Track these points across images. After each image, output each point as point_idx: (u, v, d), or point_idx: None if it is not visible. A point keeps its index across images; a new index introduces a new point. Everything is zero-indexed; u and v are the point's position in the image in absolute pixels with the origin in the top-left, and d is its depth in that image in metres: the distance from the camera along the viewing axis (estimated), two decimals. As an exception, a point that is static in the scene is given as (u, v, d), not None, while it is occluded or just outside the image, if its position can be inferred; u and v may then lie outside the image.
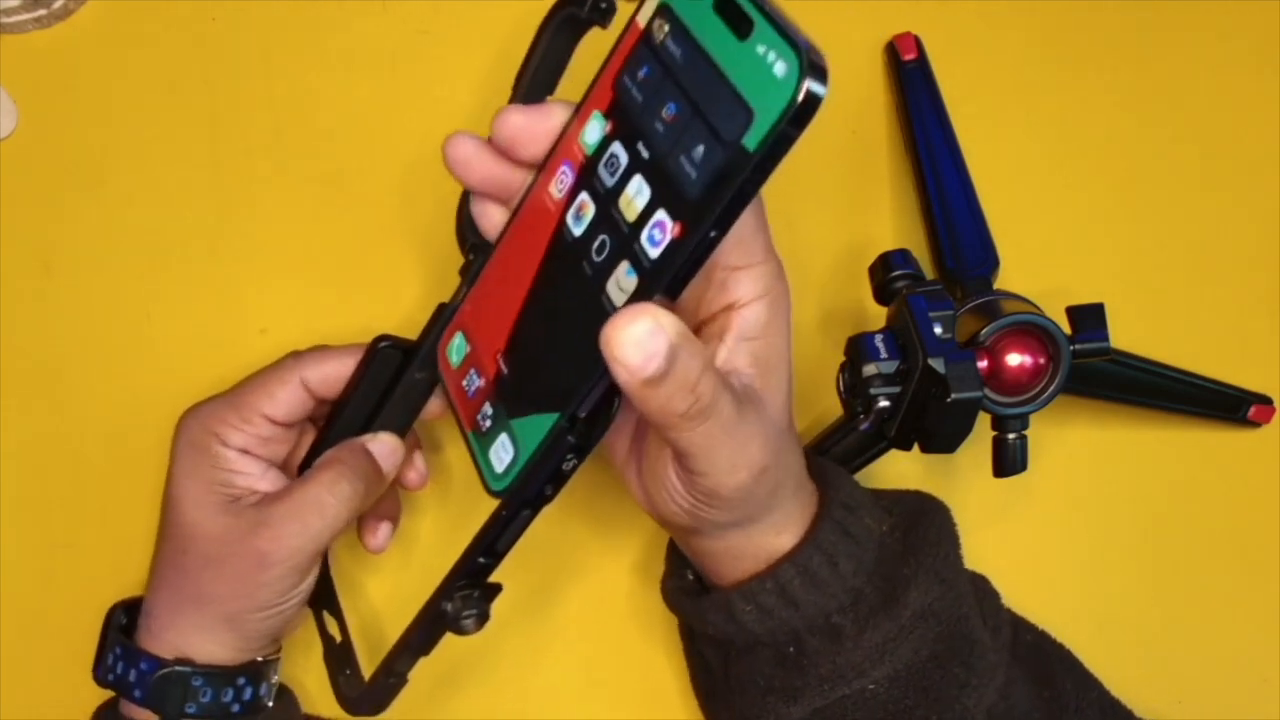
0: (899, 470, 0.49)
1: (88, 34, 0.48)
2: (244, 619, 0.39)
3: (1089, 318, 0.43)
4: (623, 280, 0.30)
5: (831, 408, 0.47)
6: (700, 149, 0.28)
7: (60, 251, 0.47)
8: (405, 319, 0.48)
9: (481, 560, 0.34)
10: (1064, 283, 0.49)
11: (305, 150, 0.48)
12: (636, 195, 0.30)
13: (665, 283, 0.29)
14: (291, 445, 0.42)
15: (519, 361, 0.33)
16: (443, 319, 0.36)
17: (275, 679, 0.42)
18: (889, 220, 0.50)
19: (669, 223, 0.29)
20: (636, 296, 0.29)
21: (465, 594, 0.34)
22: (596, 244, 0.31)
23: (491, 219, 0.35)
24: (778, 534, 0.37)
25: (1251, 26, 0.52)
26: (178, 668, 0.39)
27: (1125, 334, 0.44)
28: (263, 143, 0.48)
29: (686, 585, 0.41)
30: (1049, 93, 0.51)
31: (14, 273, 0.47)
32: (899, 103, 0.49)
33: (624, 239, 0.30)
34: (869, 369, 0.41)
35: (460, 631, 0.35)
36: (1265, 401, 0.49)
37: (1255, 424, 0.49)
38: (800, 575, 0.37)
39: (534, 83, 0.39)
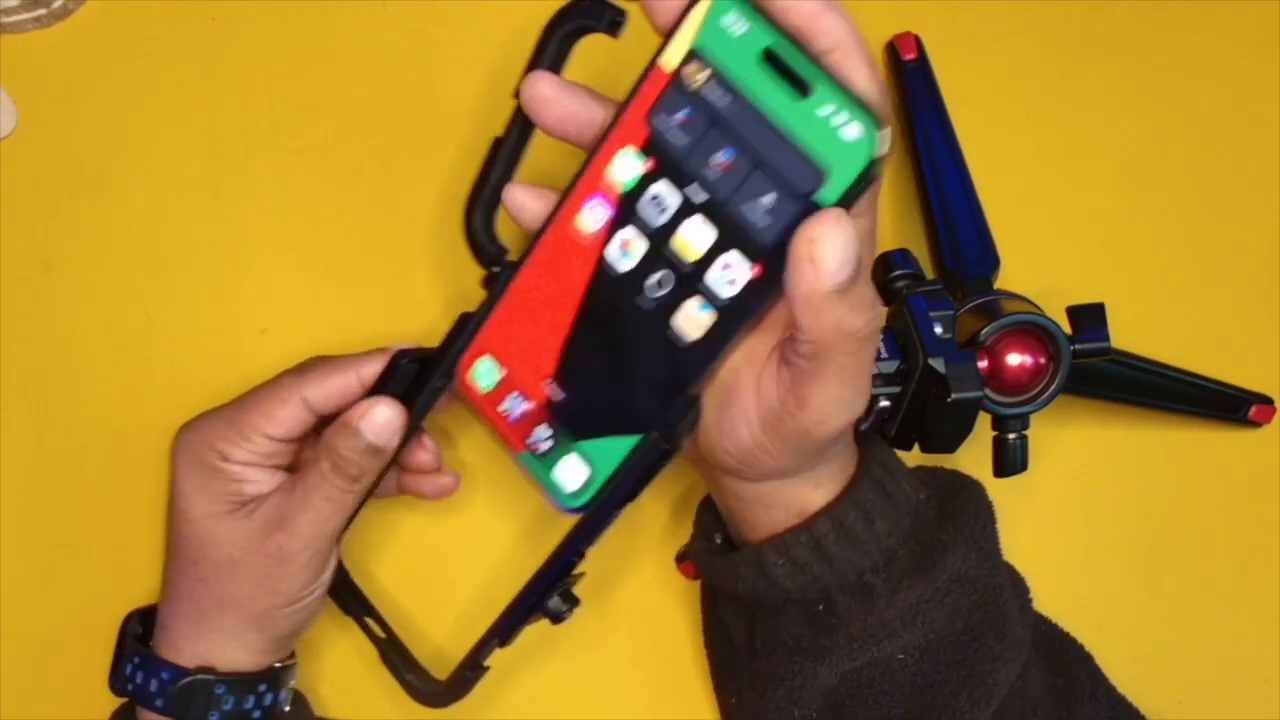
0: (899, 470, 0.49)
1: (88, 34, 0.48)
2: (270, 617, 0.39)
3: (1089, 318, 0.43)
4: (696, 315, 0.32)
5: (832, 408, 0.47)
6: (770, 198, 0.30)
7: (60, 251, 0.47)
8: (405, 318, 0.48)
9: (573, 559, 0.37)
10: (1064, 283, 0.49)
11: (305, 150, 0.48)
12: (697, 236, 0.32)
13: (747, 319, 0.32)
14: (297, 452, 0.42)
15: (578, 388, 0.35)
16: (466, 332, 0.36)
17: (293, 684, 0.43)
18: (889, 220, 0.50)
19: (745, 264, 0.31)
20: (717, 331, 0.32)
21: (563, 590, 0.38)
22: (654, 280, 0.33)
23: (528, 210, 0.35)
24: (815, 488, 0.37)
25: (1251, 26, 0.52)
26: (200, 676, 0.39)
27: (1125, 334, 0.44)
28: (263, 142, 0.48)
29: (714, 548, 0.41)
30: (1049, 93, 0.51)
31: (14, 273, 0.47)
32: (899, 103, 0.49)
33: (686, 277, 0.32)
34: (869, 369, 0.41)
35: (559, 621, 0.38)
36: (1265, 401, 0.49)
37: (1255, 424, 0.49)
38: (836, 530, 0.36)
39: None
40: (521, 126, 0.36)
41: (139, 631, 0.42)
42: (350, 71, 0.49)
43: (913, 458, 0.48)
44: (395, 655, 0.43)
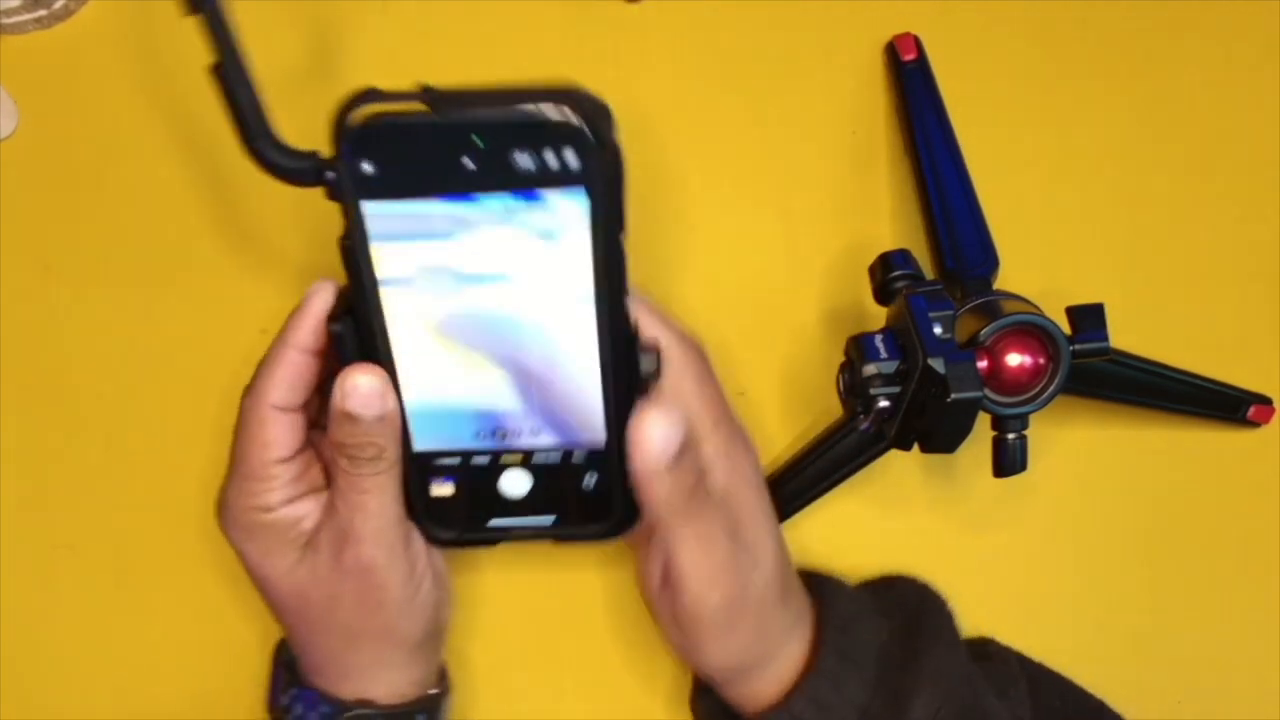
0: (899, 470, 0.49)
1: (88, 34, 0.48)
2: (394, 630, 0.39)
3: (1089, 318, 0.43)
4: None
5: (831, 408, 0.47)
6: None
7: (60, 251, 0.47)
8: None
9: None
10: (1064, 283, 0.49)
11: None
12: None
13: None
14: (320, 460, 0.40)
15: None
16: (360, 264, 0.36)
17: (448, 712, 0.42)
18: (889, 220, 0.50)
19: None
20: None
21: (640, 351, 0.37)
22: None
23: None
24: (778, 675, 0.40)
25: (1251, 27, 0.52)
26: (359, 711, 0.39)
27: (1125, 334, 0.44)
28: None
29: (714, 707, 0.43)
30: (1049, 93, 0.51)
31: (14, 273, 0.47)
32: (899, 103, 0.49)
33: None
34: (869, 369, 0.41)
35: (657, 377, 0.37)
36: (1265, 401, 0.49)
37: (1255, 424, 0.49)
38: (809, 705, 0.39)
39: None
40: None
41: (289, 659, 0.41)
42: (351, 71, 0.49)
43: (896, 471, 0.49)
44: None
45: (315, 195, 0.49)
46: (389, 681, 0.40)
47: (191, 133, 0.48)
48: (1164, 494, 0.50)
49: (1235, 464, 0.51)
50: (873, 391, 0.41)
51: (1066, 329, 0.42)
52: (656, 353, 0.36)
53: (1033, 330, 0.42)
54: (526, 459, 0.38)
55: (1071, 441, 0.50)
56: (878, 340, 0.41)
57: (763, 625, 0.39)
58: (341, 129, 0.33)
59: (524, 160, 0.32)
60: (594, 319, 0.35)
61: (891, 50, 0.49)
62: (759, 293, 0.50)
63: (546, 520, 0.39)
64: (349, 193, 0.34)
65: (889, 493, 0.49)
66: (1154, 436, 0.50)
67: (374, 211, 0.34)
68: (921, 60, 0.49)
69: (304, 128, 0.48)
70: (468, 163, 0.33)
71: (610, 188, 0.33)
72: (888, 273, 0.44)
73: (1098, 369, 0.45)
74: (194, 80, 0.48)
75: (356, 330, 0.36)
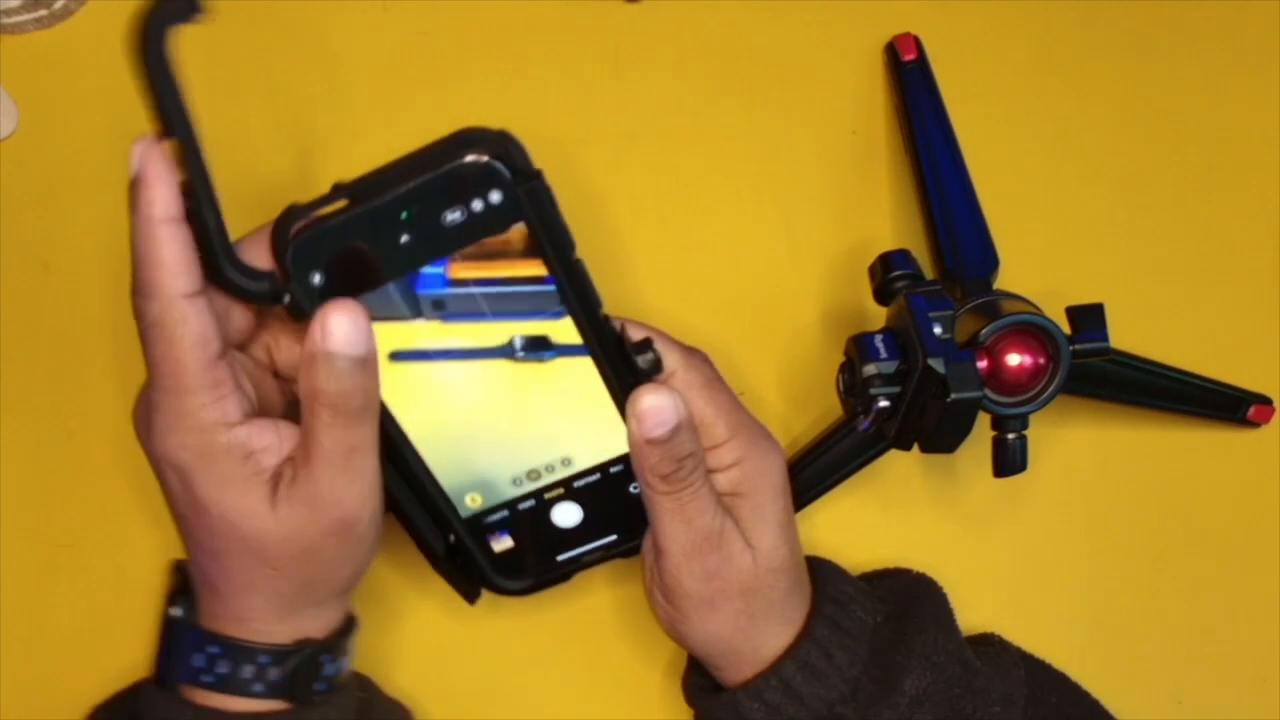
0: (899, 470, 0.49)
1: (88, 34, 0.48)
2: (356, 578, 0.38)
3: (1089, 318, 0.43)
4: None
5: (831, 408, 0.47)
6: None
7: (60, 251, 0.47)
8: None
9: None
10: (1064, 283, 0.49)
11: (305, 150, 0.48)
12: None
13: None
14: (260, 377, 0.36)
15: None
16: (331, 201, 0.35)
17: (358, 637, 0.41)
18: (889, 220, 0.50)
19: None
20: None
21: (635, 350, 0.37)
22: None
23: None
24: (773, 636, 0.40)
25: (1251, 27, 0.52)
26: (307, 650, 0.37)
27: (1125, 334, 0.44)
28: (263, 143, 0.48)
29: (704, 683, 0.43)
30: (1049, 93, 0.51)
31: (14, 273, 0.47)
32: (899, 103, 0.49)
33: None
34: (869, 369, 0.41)
35: (659, 371, 0.37)
36: (1265, 401, 0.49)
37: (1255, 424, 0.49)
38: (800, 669, 0.39)
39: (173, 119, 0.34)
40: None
41: (180, 616, 0.38)
42: (350, 71, 0.49)
43: (896, 471, 0.49)
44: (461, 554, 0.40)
45: (311, 196, 0.49)
46: (326, 619, 0.38)
47: (191, 133, 0.48)
48: (1164, 494, 0.50)
49: (1235, 464, 0.51)
50: (873, 391, 0.41)
51: (1066, 329, 0.42)
52: (651, 349, 0.37)
53: (1033, 330, 0.42)
54: (569, 488, 0.38)
55: (1071, 441, 0.50)
56: (878, 340, 0.41)
57: (753, 611, 0.39)
58: (282, 251, 0.33)
59: (454, 216, 0.33)
60: (580, 338, 0.35)
61: (891, 50, 0.49)
62: (759, 293, 0.50)
63: (609, 539, 0.40)
64: (309, 308, 0.34)
65: (889, 493, 0.49)
66: (1154, 436, 0.50)
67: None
68: (921, 60, 0.49)
69: (304, 128, 0.48)
70: (405, 238, 0.33)
71: (543, 211, 0.33)
72: (888, 273, 0.44)
73: (1098, 369, 0.45)
74: (193, 80, 0.48)
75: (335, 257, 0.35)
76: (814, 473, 0.47)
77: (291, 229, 0.33)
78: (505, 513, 0.39)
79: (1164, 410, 0.49)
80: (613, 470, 0.38)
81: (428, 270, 0.34)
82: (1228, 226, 0.51)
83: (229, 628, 0.36)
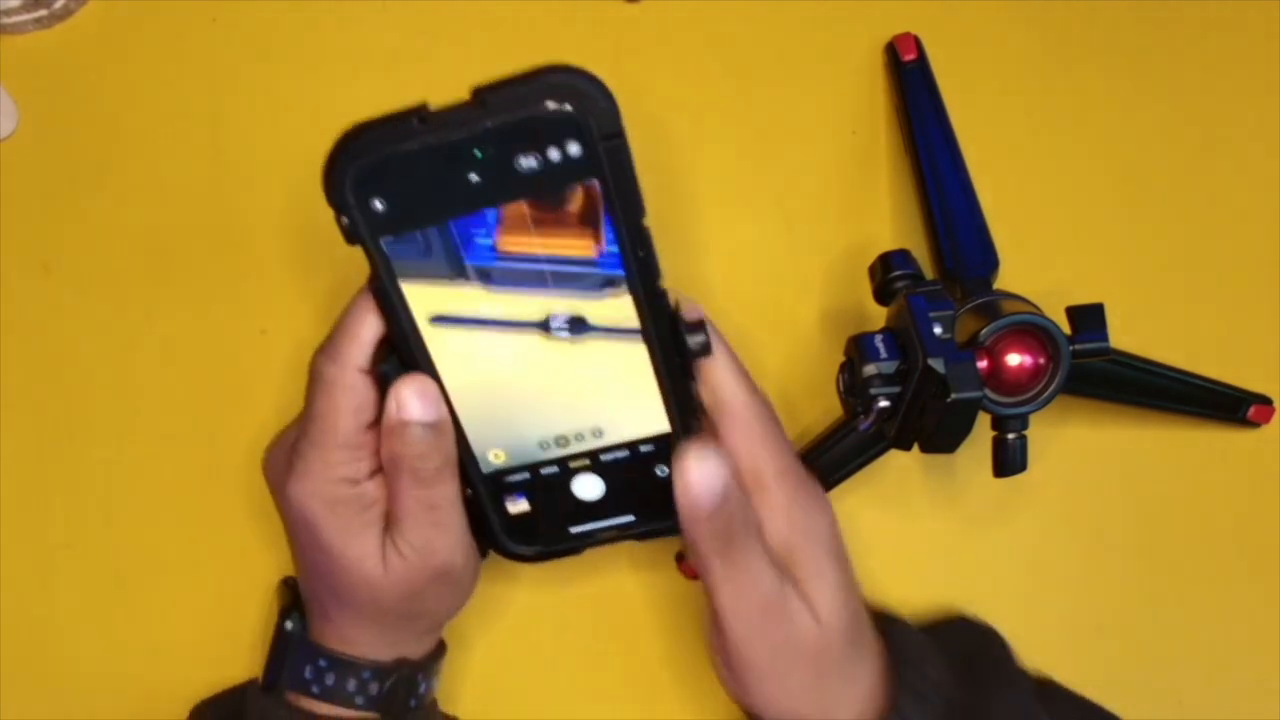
0: (899, 470, 0.49)
1: (88, 34, 0.48)
2: (455, 611, 0.41)
3: (1089, 318, 0.43)
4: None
5: (831, 408, 0.47)
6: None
7: (60, 251, 0.47)
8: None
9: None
10: (1064, 283, 0.49)
11: (305, 150, 0.48)
12: None
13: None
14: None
15: None
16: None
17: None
18: (889, 220, 0.50)
19: None
20: None
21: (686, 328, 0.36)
22: None
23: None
24: (846, 704, 0.39)
25: (1251, 26, 0.52)
26: (403, 670, 0.40)
27: (1125, 334, 0.44)
28: (263, 143, 0.48)
29: None
30: (1049, 93, 0.51)
31: (14, 273, 0.47)
32: (899, 103, 0.49)
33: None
34: (869, 369, 0.41)
35: (707, 352, 0.37)
36: (1265, 401, 0.49)
37: (1255, 424, 0.49)
38: None
39: None
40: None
41: (297, 632, 0.41)
42: (350, 71, 0.49)
43: (896, 471, 0.49)
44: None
45: (311, 196, 0.49)
46: (425, 644, 0.42)
47: (191, 133, 0.48)
48: (1164, 494, 0.50)
49: (1235, 464, 0.51)
50: (873, 391, 0.41)
51: (1066, 329, 0.42)
52: (703, 331, 0.36)
53: (1033, 330, 0.42)
54: (595, 460, 0.37)
55: (1071, 441, 0.50)
56: (878, 340, 0.41)
57: (822, 677, 0.38)
58: (344, 170, 0.33)
59: (528, 163, 0.32)
60: (633, 308, 0.34)
61: (891, 50, 0.49)
62: (759, 293, 0.50)
63: (626, 519, 0.39)
64: (367, 234, 0.33)
65: (889, 493, 0.49)
66: (1154, 436, 0.50)
67: (395, 248, 0.33)
68: (921, 60, 0.49)
69: (303, 127, 0.48)
70: (473, 178, 0.32)
71: (620, 171, 0.32)
72: (888, 273, 0.44)
73: (1098, 369, 0.45)
74: (193, 80, 0.49)
75: (402, 368, 0.36)
76: (814, 473, 0.47)
77: (359, 150, 0.32)
78: (526, 475, 0.38)
79: (1164, 410, 0.49)
80: (642, 450, 0.37)
81: (480, 240, 0.33)
82: (1228, 226, 0.51)
83: (337, 646, 0.40)
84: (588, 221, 0.33)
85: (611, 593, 0.49)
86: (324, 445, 0.36)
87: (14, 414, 0.47)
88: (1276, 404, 0.49)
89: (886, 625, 0.42)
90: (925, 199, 0.47)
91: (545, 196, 0.32)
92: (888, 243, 0.49)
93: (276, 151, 0.48)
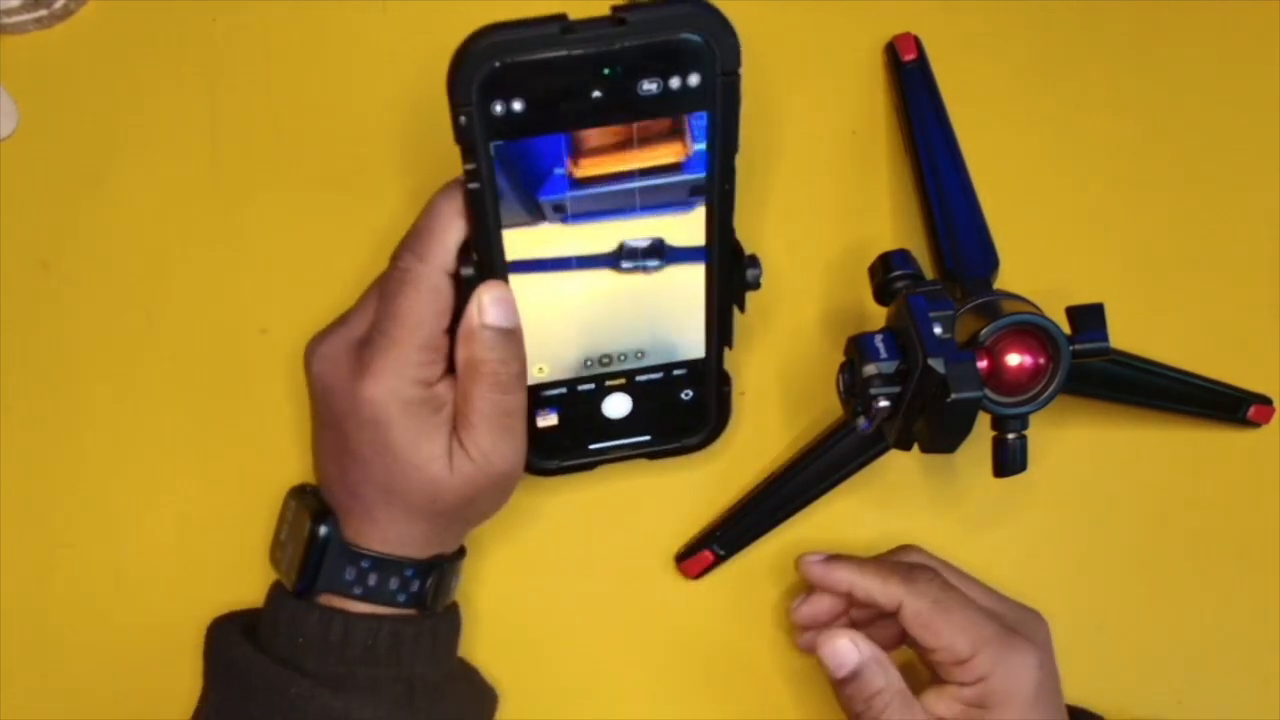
0: (899, 470, 0.49)
1: (88, 34, 0.48)
2: (492, 516, 0.42)
3: (1089, 318, 0.43)
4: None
5: (831, 408, 0.47)
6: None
7: (60, 251, 0.47)
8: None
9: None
10: (1064, 283, 0.49)
11: (305, 150, 0.48)
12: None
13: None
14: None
15: None
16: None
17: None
18: (889, 220, 0.50)
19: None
20: None
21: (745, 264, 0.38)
22: None
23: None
24: None
25: (1251, 26, 0.52)
26: (440, 562, 0.41)
27: (1125, 334, 0.44)
28: (263, 143, 0.48)
29: None
30: (1049, 93, 0.51)
31: (14, 273, 0.47)
32: (899, 103, 0.49)
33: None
34: (869, 369, 0.41)
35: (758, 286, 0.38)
36: (1265, 401, 0.49)
37: (1255, 424, 0.49)
38: None
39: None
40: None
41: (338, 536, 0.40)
42: (350, 71, 0.49)
43: (896, 471, 0.49)
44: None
45: (311, 196, 0.49)
46: (458, 541, 0.42)
47: (191, 132, 0.48)
48: (1164, 494, 0.50)
49: (1235, 464, 0.51)
50: (873, 391, 0.41)
51: (1066, 329, 0.42)
52: (758, 266, 0.37)
53: (1033, 330, 0.42)
54: (630, 381, 0.38)
55: (1071, 441, 0.50)
56: (878, 340, 0.41)
57: None
58: (473, 70, 0.32)
59: (649, 87, 0.32)
60: (703, 237, 0.35)
61: (891, 50, 0.49)
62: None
63: (642, 438, 0.40)
64: (480, 135, 0.33)
65: (889, 493, 0.49)
66: (1154, 436, 0.50)
67: (501, 152, 0.34)
68: (921, 60, 0.49)
69: (304, 127, 0.48)
70: (596, 94, 0.32)
71: (730, 108, 0.33)
72: (888, 273, 0.44)
73: (1098, 369, 0.45)
74: (193, 80, 0.49)
75: (479, 271, 0.36)
76: (814, 473, 0.47)
77: (493, 50, 0.32)
78: (563, 390, 0.39)
79: (1164, 410, 0.49)
80: (675, 372, 0.38)
81: (557, 171, 0.33)
82: (1228, 226, 0.51)
83: (379, 547, 0.39)
84: (673, 129, 0.33)
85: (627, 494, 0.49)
86: (405, 344, 0.37)
87: (13, 413, 0.47)
88: (1276, 404, 0.49)
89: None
90: (925, 199, 0.47)
91: (656, 120, 0.33)
92: (888, 243, 0.49)
93: (276, 151, 0.48)
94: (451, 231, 0.36)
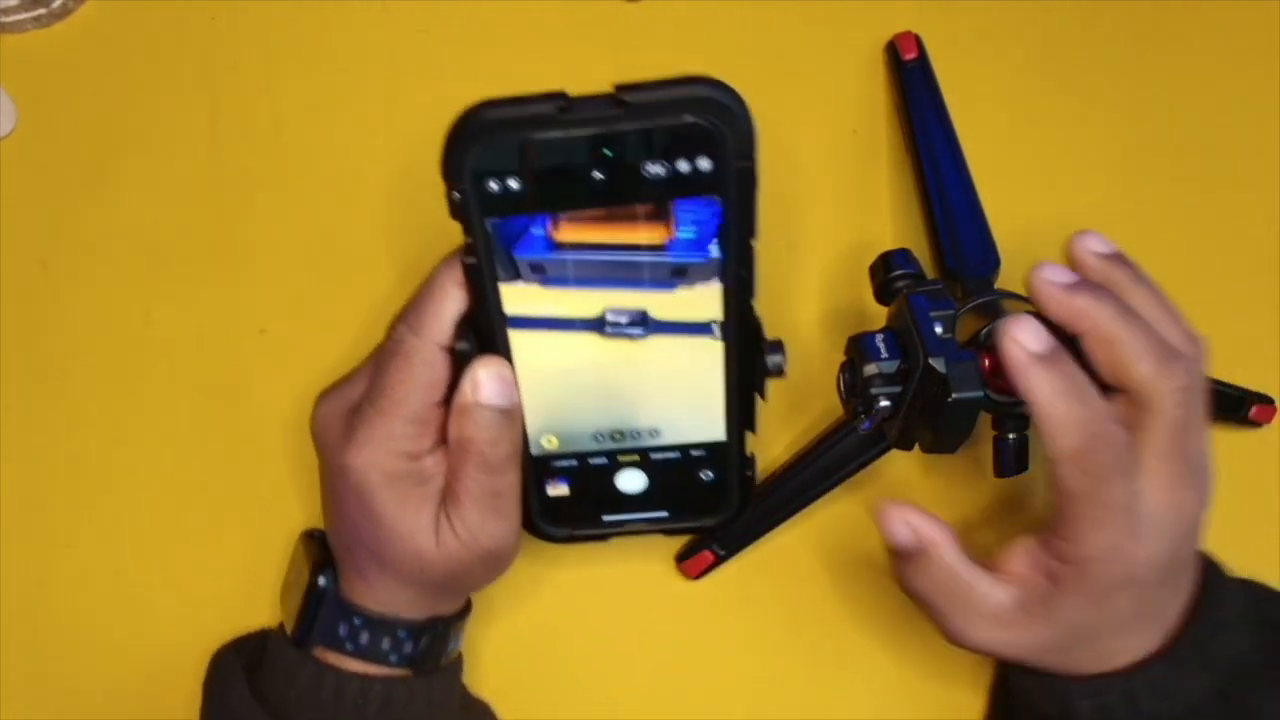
0: (899, 470, 0.49)
1: (88, 34, 0.48)
2: (488, 585, 0.41)
3: (1089, 317, 0.42)
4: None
5: (831, 408, 0.47)
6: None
7: (60, 251, 0.47)
8: (405, 319, 0.48)
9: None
10: (1064, 282, 0.49)
11: (305, 150, 0.48)
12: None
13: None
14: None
15: None
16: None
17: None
18: (889, 220, 0.50)
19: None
20: None
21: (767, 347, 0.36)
22: None
23: None
24: (1134, 642, 0.38)
25: (1251, 26, 0.52)
26: (437, 626, 0.40)
27: (1126, 334, 0.44)
28: (263, 143, 0.48)
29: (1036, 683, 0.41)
30: (1049, 92, 0.51)
31: (14, 272, 0.47)
32: (899, 103, 0.49)
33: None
34: (869, 369, 0.41)
35: (782, 374, 0.37)
36: (1266, 401, 0.49)
37: (1256, 424, 0.49)
38: (1149, 688, 0.37)
39: None
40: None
41: (327, 590, 0.40)
42: (350, 71, 0.49)
43: (896, 471, 0.49)
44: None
45: (311, 196, 0.49)
46: (458, 603, 0.42)
47: (191, 132, 0.48)
48: (1164, 494, 0.50)
49: (1235, 464, 0.50)
50: (873, 391, 0.41)
51: (1067, 329, 0.42)
52: (781, 352, 0.36)
53: (1033, 330, 0.42)
54: (644, 458, 0.38)
55: (1072, 441, 0.50)
56: (878, 340, 0.41)
57: (1141, 601, 0.37)
58: (466, 147, 0.32)
59: (655, 169, 0.31)
60: (710, 301, 0.34)
61: (892, 49, 0.49)
62: (759, 293, 0.49)
63: (659, 514, 0.39)
64: (476, 213, 0.32)
65: (889, 493, 0.49)
66: (1154, 436, 0.50)
67: (499, 229, 0.33)
68: (922, 59, 0.49)
69: (304, 127, 0.48)
70: (597, 175, 0.31)
71: (745, 194, 0.32)
72: (888, 272, 0.44)
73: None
74: (193, 80, 0.49)
75: (480, 345, 0.36)
76: (814, 473, 0.47)
77: (488, 128, 0.31)
78: (574, 462, 0.38)
79: (1164, 410, 0.49)
80: (693, 454, 0.37)
81: (533, 230, 0.32)
82: (1228, 226, 0.51)
83: (373, 605, 0.39)
84: (657, 210, 0.32)
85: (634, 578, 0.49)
86: (391, 416, 0.36)
87: (13, 413, 0.47)
88: (1277, 404, 0.49)
89: (1207, 574, 0.40)
90: (926, 198, 0.47)
91: (661, 203, 0.32)
92: (888, 242, 0.49)
93: (276, 151, 0.48)
94: (449, 303, 0.35)
